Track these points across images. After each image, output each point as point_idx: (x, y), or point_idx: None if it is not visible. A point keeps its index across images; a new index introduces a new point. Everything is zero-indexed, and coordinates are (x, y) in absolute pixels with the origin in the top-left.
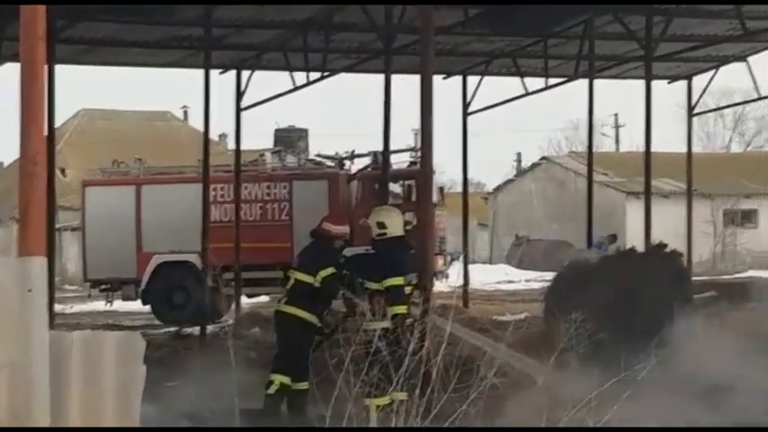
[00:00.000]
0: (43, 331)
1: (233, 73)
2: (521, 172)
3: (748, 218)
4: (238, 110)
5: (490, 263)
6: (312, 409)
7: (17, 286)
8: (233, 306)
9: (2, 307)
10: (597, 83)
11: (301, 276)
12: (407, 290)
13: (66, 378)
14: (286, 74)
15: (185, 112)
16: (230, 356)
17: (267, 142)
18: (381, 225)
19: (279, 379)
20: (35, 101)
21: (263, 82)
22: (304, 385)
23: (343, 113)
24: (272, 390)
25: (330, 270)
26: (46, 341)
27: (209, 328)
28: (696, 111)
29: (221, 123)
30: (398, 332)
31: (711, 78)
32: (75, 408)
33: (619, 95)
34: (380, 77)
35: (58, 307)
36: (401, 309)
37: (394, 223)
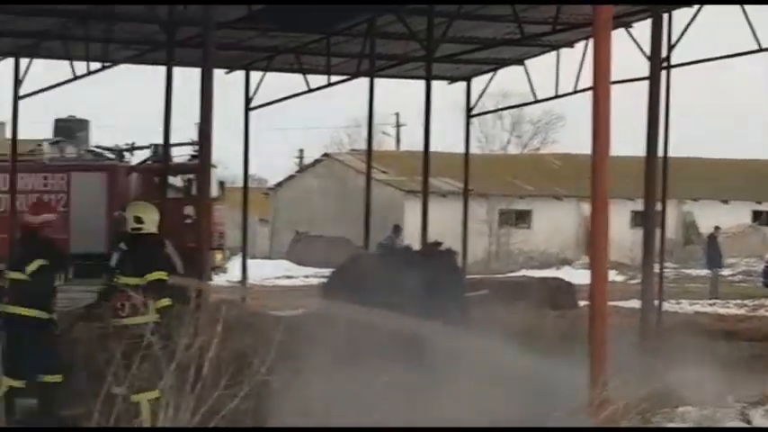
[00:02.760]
0: None
1: (11, 60)
2: (302, 168)
3: (522, 218)
4: (16, 98)
5: (270, 258)
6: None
7: None
8: None
9: None
10: (380, 81)
11: (13, 275)
12: None
13: None
14: (64, 63)
15: None
16: None
17: (47, 132)
18: (138, 220)
19: (7, 382)
20: None
21: (48, 71)
22: (54, 378)
23: (128, 105)
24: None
25: (38, 263)
26: None
27: None
28: (474, 112)
29: None
30: (170, 326)
31: (490, 80)
32: None
33: (400, 95)
34: (163, 69)
35: None
36: (166, 302)
37: (150, 220)
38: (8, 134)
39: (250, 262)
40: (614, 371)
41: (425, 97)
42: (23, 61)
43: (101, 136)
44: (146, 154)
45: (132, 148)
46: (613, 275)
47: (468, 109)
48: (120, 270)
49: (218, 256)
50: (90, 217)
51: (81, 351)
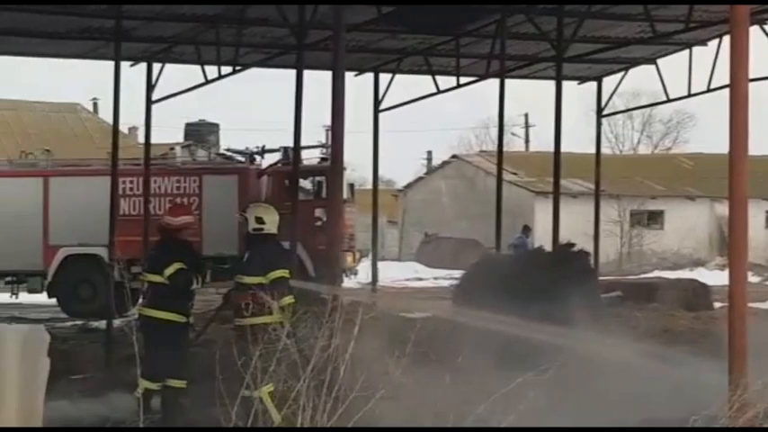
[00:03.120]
0: None
1: (144, 65)
2: (431, 170)
3: (654, 219)
4: (149, 102)
5: (399, 260)
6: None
7: None
8: (139, 300)
9: None
10: (509, 82)
11: (151, 277)
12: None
13: None
14: (195, 68)
15: (95, 104)
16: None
17: (178, 136)
18: (260, 220)
19: (143, 384)
20: None
21: (176, 75)
22: (179, 383)
23: (255, 109)
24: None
25: (176, 266)
26: None
27: (116, 321)
28: (605, 112)
29: (131, 116)
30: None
31: (621, 80)
32: None
33: (529, 95)
34: (293, 73)
35: None
36: (290, 299)
37: (271, 220)
38: (141, 138)
39: (379, 264)
40: (755, 374)
41: (555, 98)
42: (156, 66)
43: (230, 139)
44: (276, 157)
45: (263, 151)
46: (749, 276)
47: (599, 109)
48: (243, 270)
49: (349, 258)
50: (222, 219)
51: (214, 353)
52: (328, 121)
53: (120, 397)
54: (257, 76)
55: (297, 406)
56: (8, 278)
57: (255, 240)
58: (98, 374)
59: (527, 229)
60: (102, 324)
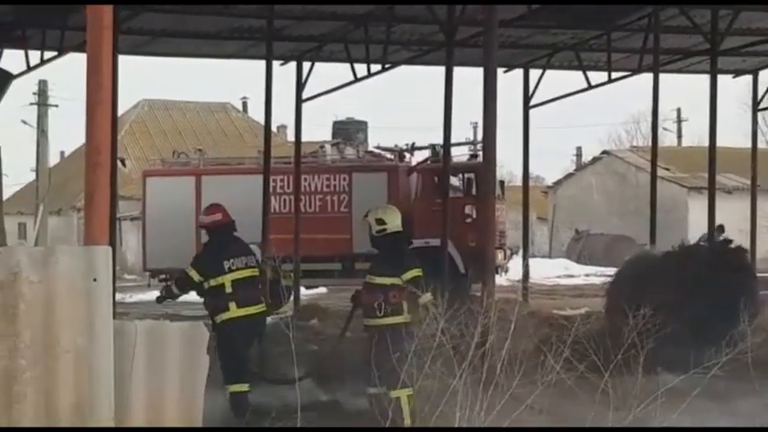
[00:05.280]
0: (108, 320)
1: (292, 64)
2: (581, 166)
3: None
4: (299, 101)
5: (549, 257)
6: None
7: (82, 275)
8: (291, 297)
9: (67, 295)
10: (660, 76)
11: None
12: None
13: (130, 367)
14: (342, 66)
15: (244, 104)
16: (290, 347)
17: (324, 134)
18: (381, 221)
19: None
20: (101, 91)
21: (321, 74)
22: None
23: (399, 106)
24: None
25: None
26: (110, 330)
27: (269, 318)
28: (762, 106)
29: (280, 115)
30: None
31: None
32: (139, 397)
33: (680, 89)
34: (437, 69)
35: (118, 296)
36: (429, 297)
37: (392, 219)
38: (290, 137)
39: (530, 261)
40: None
41: (710, 92)
42: (305, 65)
43: (377, 137)
44: (424, 154)
45: (412, 149)
46: None
47: (755, 103)
48: (373, 271)
49: (500, 255)
50: None
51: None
52: (474, 118)
53: (278, 392)
54: (404, 74)
55: (454, 402)
56: (162, 276)
57: (382, 241)
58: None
59: (721, 230)
60: None
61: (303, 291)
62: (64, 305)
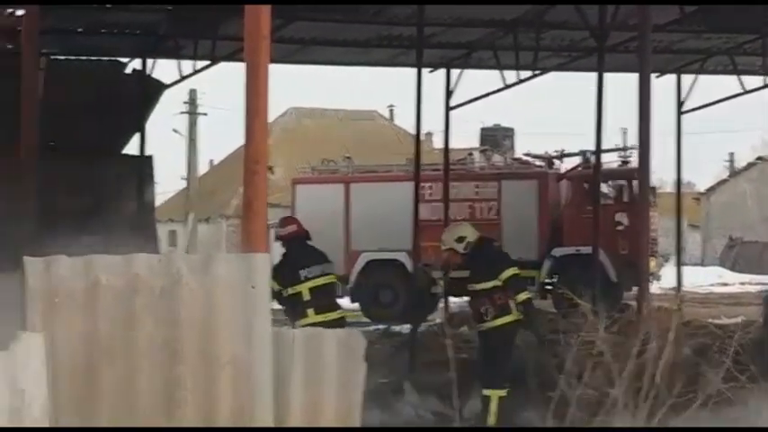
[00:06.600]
0: (266, 328)
1: (440, 72)
2: (734, 172)
3: None
4: (447, 109)
5: (702, 265)
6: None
7: (241, 282)
8: (440, 305)
9: (225, 303)
10: None
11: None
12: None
13: (289, 375)
14: (489, 73)
15: (391, 112)
16: (439, 355)
17: (470, 141)
18: (461, 239)
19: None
20: (258, 100)
21: (467, 81)
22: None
23: (544, 112)
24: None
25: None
26: (268, 338)
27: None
28: None
29: (427, 122)
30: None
31: None
32: (297, 405)
33: None
34: (583, 75)
35: None
36: (526, 295)
37: (466, 231)
38: (436, 144)
39: (682, 269)
40: None
41: None
42: (453, 72)
43: (524, 144)
44: (574, 161)
45: (562, 156)
46: None
47: None
48: (471, 280)
49: (652, 263)
50: (522, 224)
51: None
52: (623, 124)
53: (430, 401)
54: (546, 80)
55: (613, 410)
56: None
57: (472, 254)
58: (403, 378)
59: None
60: (403, 328)
61: (452, 299)
62: (223, 312)
